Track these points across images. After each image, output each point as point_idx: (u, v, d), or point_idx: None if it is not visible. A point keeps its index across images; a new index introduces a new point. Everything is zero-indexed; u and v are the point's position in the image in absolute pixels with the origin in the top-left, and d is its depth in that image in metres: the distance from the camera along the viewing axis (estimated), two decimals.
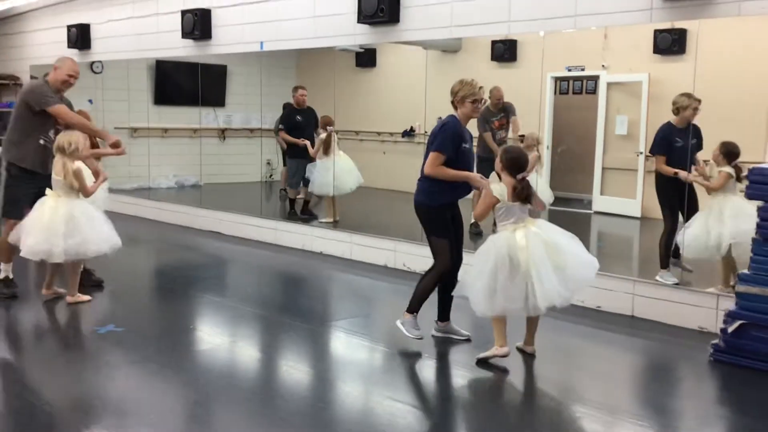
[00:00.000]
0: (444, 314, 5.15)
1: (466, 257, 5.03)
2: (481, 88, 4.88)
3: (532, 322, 4.77)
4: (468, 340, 5.10)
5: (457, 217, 5.05)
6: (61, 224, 5.52)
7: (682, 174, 6.07)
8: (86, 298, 5.89)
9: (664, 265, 6.18)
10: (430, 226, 4.96)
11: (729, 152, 5.86)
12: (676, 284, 5.89)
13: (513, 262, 4.42)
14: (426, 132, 6.77)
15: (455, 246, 4.94)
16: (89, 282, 6.26)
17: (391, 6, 7.04)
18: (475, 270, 4.59)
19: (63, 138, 5.61)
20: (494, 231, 4.89)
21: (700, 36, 6.21)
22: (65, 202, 5.62)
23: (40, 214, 5.59)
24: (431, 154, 4.78)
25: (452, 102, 4.91)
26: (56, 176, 5.60)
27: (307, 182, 9.29)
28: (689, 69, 6.08)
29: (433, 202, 4.89)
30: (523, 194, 4.53)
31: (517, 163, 4.58)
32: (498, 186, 4.59)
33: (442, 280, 4.94)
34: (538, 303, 4.38)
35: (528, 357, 4.79)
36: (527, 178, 4.59)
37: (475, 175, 4.82)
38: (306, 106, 9.40)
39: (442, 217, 4.92)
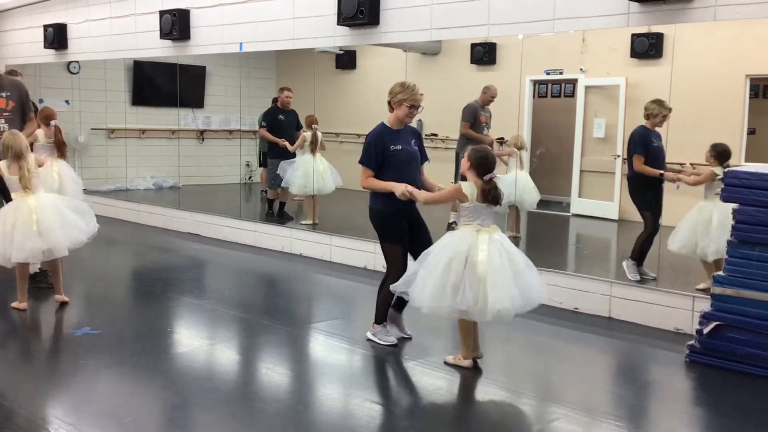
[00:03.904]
0: (399, 305, 5.07)
1: None
2: (422, 95, 4.84)
3: (474, 328, 4.67)
4: (409, 339, 5.09)
5: (417, 222, 4.97)
6: (56, 219, 5.49)
7: (669, 175, 6.16)
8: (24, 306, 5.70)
9: (635, 257, 6.33)
10: (383, 232, 4.91)
11: (720, 152, 5.96)
12: (638, 281, 6.09)
13: (470, 262, 4.30)
14: None
15: (416, 251, 4.77)
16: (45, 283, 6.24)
17: (371, 8, 7.03)
18: (427, 265, 4.43)
19: (12, 141, 5.46)
20: (451, 227, 4.85)
21: (676, 40, 6.28)
22: (43, 197, 5.57)
23: (27, 218, 5.43)
24: (361, 168, 4.81)
25: (389, 102, 4.88)
26: (14, 175, 5.49)
27: (280, 182, 9.25)
28: (666, 72, 6.15)
29: (387, 207, 4.83)
30: (491, 195, 4.43)
31: (485, 163, 4.45)
32: (467, 183, 4.49)
33: None
34: (488, 308, 4.23)
35: (506, 358, 4.82)
36: (494, 179, 4.46)
37: (396, 185, 4.65)
38: (290, 108, 9.40)
39: (397, 223, 4.87)
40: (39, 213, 5.46)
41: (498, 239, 4.44)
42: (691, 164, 6.33)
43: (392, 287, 4.66)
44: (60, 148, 6.56)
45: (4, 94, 5.88)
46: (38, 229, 5.41)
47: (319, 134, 9.09)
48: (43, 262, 6.08)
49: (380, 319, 5.04)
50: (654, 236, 6.34)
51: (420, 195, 4.66)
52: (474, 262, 4.29)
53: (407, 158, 4.85)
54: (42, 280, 6.24)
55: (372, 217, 4.96)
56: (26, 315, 5.65)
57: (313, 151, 9.03)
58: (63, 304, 5.80)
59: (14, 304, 5.68)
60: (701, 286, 5.81)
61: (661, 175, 6.18)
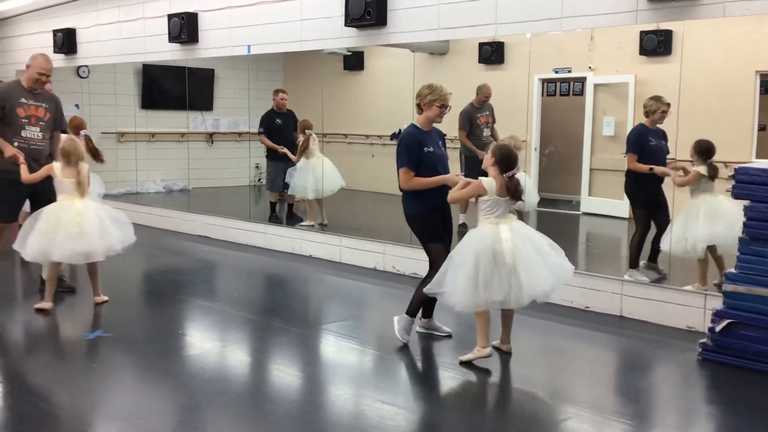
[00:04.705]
0: (428, 311, 5.22)
1: None
2: (450, 94, 4.96)
3: (507, 320, 4.81)
4: (449, 336, 5.18)
5: (447, 220, 5.07)
6: (97, 225, 5.66)
7: (658, 169, 6.11)
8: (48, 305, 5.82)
9: (634, 264, 6.27)
10: (423, 233, 5.00)
11: (703, 150, 5.88)
12: (649, 282, 5.99)
13: (496, 254, 4.45)
14: None
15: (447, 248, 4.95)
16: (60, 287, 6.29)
17: (378, 9, 7.04)
18: (455, 264, 4.57)
19: (73, 148, 5.69)
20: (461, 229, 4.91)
21: (685, 37, 6.25)
22: (89, 203, 5.74)
23: (72, 220, 5.58)
24: (401, 171, 4.88)
25: (418, 104, 4.98)
26: (67, 178, 5.68)
27: (287, 186, 9.27)
28: (675, 70, 6.11)
29: (420, 209, 4.93)
30: (513, 191, 4.60)
31: (508, 160, 4.62)
32: (488, 179, 4.63)
33: None
34: (523, 295, 4.42)
35: (515, 357, 4.81)
36: (516, 176, 4.62)
37: (447, 176, 4.89)
38: (286, 109, 9.41)
39: (433, 223, 4.96)
40: (83, 217, 5.63)
41: (518, 227, 4.60)
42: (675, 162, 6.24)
43: (425, 290, 4.75)
44: (95, 156, 6.53)
45: (44, 105, 6.14)
46: (80, 232, 5.57)
47: (315, 138, 9.07)
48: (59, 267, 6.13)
49: (411, 311, 5.08)
50: (646, 236, 6.30)
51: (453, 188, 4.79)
52: (500, 252, 4.45)
53: (437, 160, 4.96)
54: (59, 285, 6.28)
55: (410, 222, 5.04)
56: (38, 319, 5.68)
57: (306, 155, 8.99)
58: (101, 303, 6.01)
59: (38, 305, 5.78)
60: (689, 287, 5.72)
61: (651, 169, 6.14)
